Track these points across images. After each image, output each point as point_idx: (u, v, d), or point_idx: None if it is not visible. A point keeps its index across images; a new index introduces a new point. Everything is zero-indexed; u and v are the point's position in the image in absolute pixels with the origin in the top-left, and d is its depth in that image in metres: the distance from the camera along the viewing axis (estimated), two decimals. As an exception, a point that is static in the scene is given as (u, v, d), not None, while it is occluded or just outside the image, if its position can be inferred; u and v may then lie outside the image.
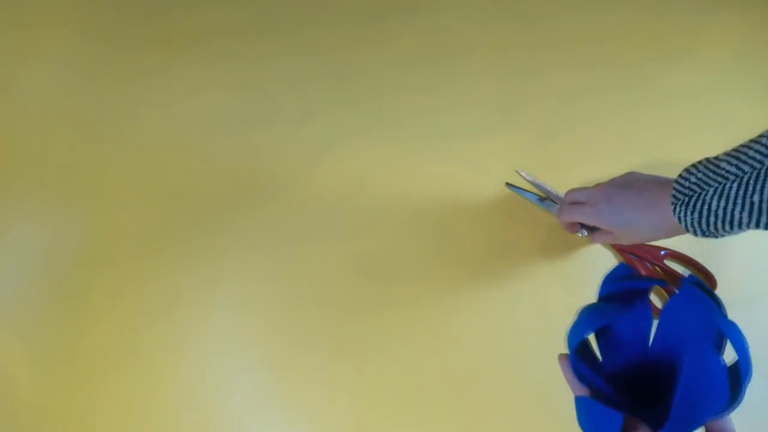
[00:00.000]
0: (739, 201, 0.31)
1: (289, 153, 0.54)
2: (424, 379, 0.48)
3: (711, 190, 0.33)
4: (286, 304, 0.50)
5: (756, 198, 0.30)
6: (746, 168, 0.31)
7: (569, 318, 0.36)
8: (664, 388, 0.35)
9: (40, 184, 0.54)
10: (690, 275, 0.36)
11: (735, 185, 0.32)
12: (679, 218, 0.35)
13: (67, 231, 0.52)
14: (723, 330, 0.32)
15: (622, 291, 0.37)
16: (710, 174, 0.34)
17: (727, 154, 0.34)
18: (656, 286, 0.49)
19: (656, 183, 0.39)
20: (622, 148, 0.54)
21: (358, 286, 0.50)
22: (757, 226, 0.31)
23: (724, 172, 0.33)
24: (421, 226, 0.52)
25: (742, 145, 0.33)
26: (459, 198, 0.53)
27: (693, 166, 0.35)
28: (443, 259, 0.51)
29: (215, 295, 0.50)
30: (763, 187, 0.30)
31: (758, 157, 0.31)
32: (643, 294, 0.38)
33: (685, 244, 0.50)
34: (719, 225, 0.33)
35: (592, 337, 0.38)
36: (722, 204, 0.32)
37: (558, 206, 0.48)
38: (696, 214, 0.33)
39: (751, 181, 0.31)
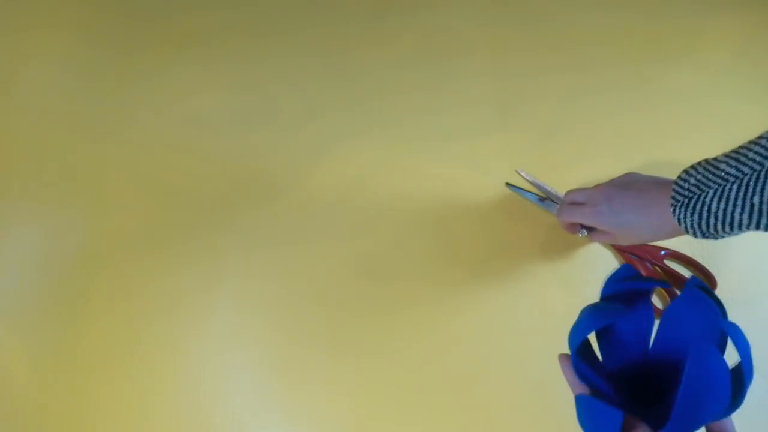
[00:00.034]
0: (739, 203, 0.31)
1: (289, 153, 0.54)
2: (424, 379, 0.48)
3: (710, 192, 0.33)
4: (286, 304, 0.50)
5: (756, 199, 0.30)
6: (746, 170, 0.31)
7: (569, 318, 0.36)
8: (665, 389, 0.35)
9: (40, 184, 0.54)
10: (693, 277, 0.36)
11: (735, 187, 0.32)
12: (679, 220, 0.35)
13: (67, 231, 0.52)
14: (726, 332, 0.32)
15: (625, 291, 0.37)
16: (710, 176, 0.34)
17: (726, 155, 0.34)
18: (658, 288, 0.49)
19: (655, 184, 0.39)
20: (622, 149, 0.54)
21: (358, 286, 0.50)
22: (757, 227, 0.31)
23: (723, 173, 0.33)
24: (421, 226, 0.52)
25: (742, 147, 0.33)
26: (459, 198, 0.53)
27: (692, 167, 0.35)
28: (443, 259, 0.51)
29: (215, 295, 0.50)
30: (763, 189, 0.30)
31: (758, 159, 0.31)
32: (646, 295, 0.38)
33: (685, 244, 0.50)
34: (719, 226, 0.33)
35: (592, 337, 0.38)
36: (722, 206, 0.32)
37: (558, 206, 0.48)
38: (696, 216, 0.33)
39: (751, 183, 0.31)
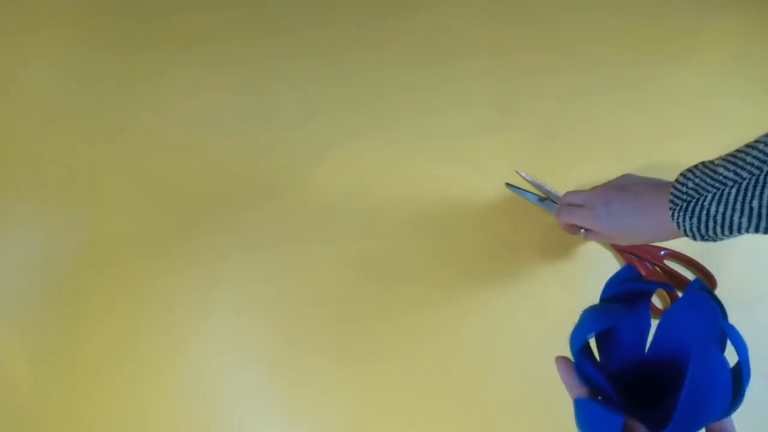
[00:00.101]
0: (738, 206, 0.31)
1: (289, 153, 0.54)
2: (424, 380, 0.48)
3: (709, 196, 0.33)
4: (286, 304, 0.50)
5: (755, 203, 0.30)
6: (744, 174, 0.31)
7: (570, 318, 0.36)
8: (664, 390, 0.35)
9: (40, 184, 0.54)
10: (696, 279, 0.36)
11: (734, 191, 0.32)
12: (678, 223, 0.35)
13: (67, 231, 0.52)
14: (726, 333, 0.32)
15: (625, 293, 0.37)
16: (708, 179, 0.33)
17: (723, 159, 0.34)
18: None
19: (653, 186, 0.39)
20: (622, 149, 0.54)
21: (357, 287, 0.50)
22: (757, 230, 0.31)
23: (721, 177, 0.33)
24: (421, 227, 0.52)
25: (739, 150, 0.33)
26: (459, 198, 0.53)
27: (689, 170, 0.35)
28: (443, 259, 0.51)
29: (215, 295, 0.50)
30: (762, 193, 0.30)
31: (756, 163, 0.31)
32: (647, 297, 0.38)
33: (685, 244, 0.50)
34: (718, 230, 0.33)
35: (591, 338, 0.38)
36: (721, 209, 0.32)
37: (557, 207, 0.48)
38: (695, 220, 0.33)
39: (750, 187, 0.31)
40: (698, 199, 0.33)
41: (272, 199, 0.53)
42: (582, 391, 0.33)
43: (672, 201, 0.35)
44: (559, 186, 0.52)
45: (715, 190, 0.33)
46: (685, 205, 0.34)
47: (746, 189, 0.31)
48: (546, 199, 0.51)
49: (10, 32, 0.59)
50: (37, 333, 0.50)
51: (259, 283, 0.51)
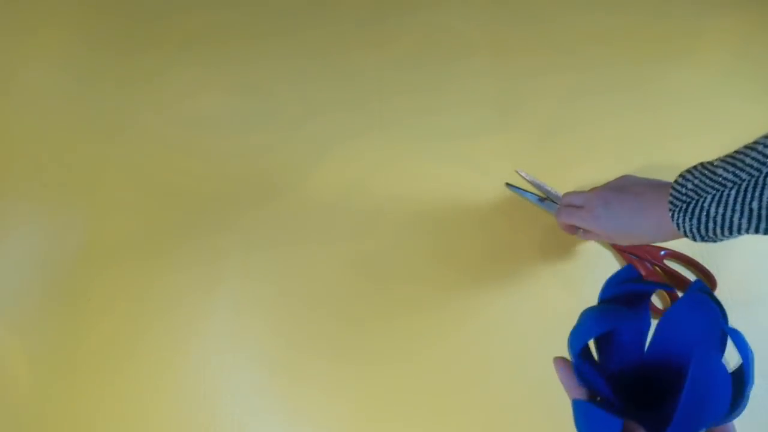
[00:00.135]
0: (738, 207, 0.31)
1: (289, 153, 0.54)
2: (423, 380, 0.48)
3: (708, 197, 0.33)
4: (286, 304, 0.50)
5: (755, 204, 0.30)
6: (744, 175, 0.31)
7: (569, 318, 0.36)
8: (663, 392, 0.35)
9: (40, 184, 0.54)
10: (697, 280, 0.36)
11: (733, 192, 0.32)
12: (678, 224, 0.35)
13: (67, 231, 0.52)
14: (730, 337, 0.32)
15: (625, 294, 0.37)
16: (707, 180, 0.34)
17: (723, 160, 0.34)
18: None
19: (652, 187, 0.39)
20: (622, 149, 0.54)
21: (357, 287, 0.50)
22: (756, 231, 0.31)
23: (721, 178, 0.33)
24: (422, 227, 0.52)
25: (738, 152, 0.33)
26: (459, 198, 0.53)
27: (688, 171, 0.35)
28: (443, 259, 0.51)
29: (215, 295, 0.50)
30: (761, 194, 0.30)
31: (755, 164, 0.31)
32: (646, 298, 0.38)
33: (685, 244, 0.50)
34: (718, 231, 0.33)
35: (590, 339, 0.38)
36: (720, 210, 0.32)
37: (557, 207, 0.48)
38: (695, 221, 0.34)
39: (750, 188, 0.31)
40: (698, 201, 0.33)
41: (272, 199, 0.53)
42: (581, 393, 0.33)
43: (671, 202, 0.35)
44: (559, 186, 0.52)
45: (714, 192, 0.33)
46: (684, 206, 0.34)
47: (746, 190, 0.31)
48: (546, 199, 0.51)
49: (10, 32, 0.59)
50: (37, 333, 0.50)
51: (259, 283, 0.51)
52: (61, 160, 0.54)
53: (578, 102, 0.56)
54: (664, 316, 0.37)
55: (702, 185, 0.34)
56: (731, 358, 0.32)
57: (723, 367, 0.30)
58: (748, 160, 0.32)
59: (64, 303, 0.50)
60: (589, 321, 0.36)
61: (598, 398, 0.34)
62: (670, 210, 0.35)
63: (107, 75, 0.57)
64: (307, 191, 0.53)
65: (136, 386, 0.48)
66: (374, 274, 0.51)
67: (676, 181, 0.36)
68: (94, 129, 0.56)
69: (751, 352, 0.31)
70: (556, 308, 0.50)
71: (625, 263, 0.50)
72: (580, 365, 0.34)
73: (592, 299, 0.38)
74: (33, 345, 0.49)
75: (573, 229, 0.47)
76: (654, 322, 0.37)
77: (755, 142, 0.32)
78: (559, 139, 0.54)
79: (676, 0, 0.60)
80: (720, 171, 0.33)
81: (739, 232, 0.32)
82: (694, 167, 0.35)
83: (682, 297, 0.36)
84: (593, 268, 0.51)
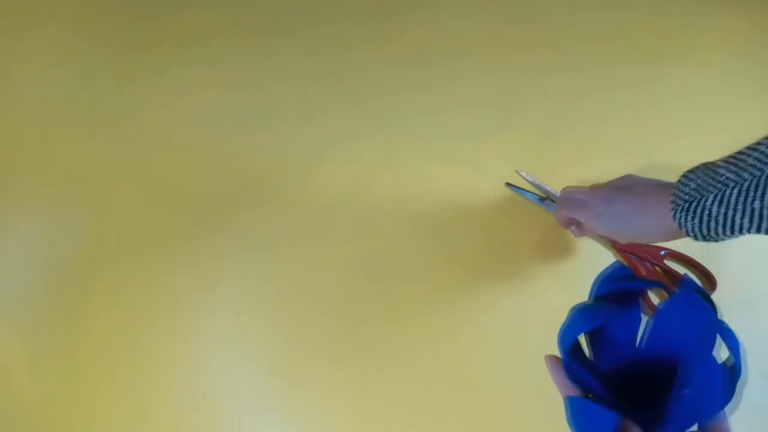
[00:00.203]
0: (740, 207, 0.31)
1: (289, 153, 0.54)
2: (423, 380, 0.48)
3: (711, 197, 0.33)
4: (286, 304, 0.50)
5: (757, 204, 0.30)
6: (746, 175, 0.32)
7: (569, 319, 0.37)
8: (657, 389, 0.35)
9: (40, 184, 0.54)
10: (686, 277, 0.36)
11: (735, 191, 0.32)
12: (680, 223, 0.35)
13: (67, 231, 0.52)
14: (719, 332, 0.33)
15: (617, 291, 0.37)
16: (710, 180, 0.34)
17: (725, 160, 0.34)
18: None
19: (655, 187, 0.39)
20: (622, 149, 0.54)
21: (357, 287, 0.50)
22: (758, 231, 0.31)
23: (723, 178, 0.33)
24: (421, 227, 0.52)
25: (741, 152, 0.33)
26: (459, 198, 0.53)
27: (691, 171, 0.36)
28: (443, 259, 0.51)
29: (215, 295, 0.50)
30: (763, 194, 0.30)
31: (758, 164, 0.31)
32: (639, 296, 0.38)
33: (685, 244, 0.50)
34: (720, 230, 0.33)
35: (581, 337, 0.38)
36: (722, 210, 0.32)
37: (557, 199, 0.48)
38: (696, 220, 0.34)
39: (752, 188, 0.31)
40: (700, 200, 0.33)
41: (272, 199, 0.53)
42: (573, 390, 0.33)
43: (674, 201, 0.35)
44: (559, 186, 0.51)
45: (716, 191, 0.33)
46: (686, 205, 0.34)
47: (747, 190, 0.31)
48: (546, 199, 0.51)
49: (10, 30, 0.59)
50: (37, 333, 0.50)
51: (259, 282, 0.51)
52: (61, 160, 0.54)
53: (578, 102, 0.55)
54: (657, 314, 0.37)
55: (704, 184, 0.34)
56: (723, 353, 0.32)
57: (715, 363, 0.31)
58: (750, 160, 0.32)
59: (64, 303, 0.50)
60: (578, 318, 0.36)
61: (590, 395, 0.34)
62: (672, 209, 0.35)
63: (107, 73, 0.57)
64: (307, 191, 0.53)
65: (136, 386, 0.48)
66: (374, 274, 0.51)
67: (679, 181, 0.36)
68: (94, 128, 0.55)
69: (742, 346, 0.32)
70: (556, 308, 0.49)
71: (626, 263, 0.50)
72: (570, 362, 0.34)
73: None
74: (33, 345, 0.49)
75: (570, 223, 0.46)
76: (641, 323, 0.38)
77: (758, 143, 0.32)
78: (559, 138, 0.54)
79: (677, -1, 0.60)
80: (722, 171, 0.33)
81: (740, 231, 0.32)
82: (697, 167, 0.35)
83: (673, 296, 0.36)
84: (593, 268, 0.51)
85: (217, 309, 0.50)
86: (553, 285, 0.50)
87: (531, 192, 0.52)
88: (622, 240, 0.42)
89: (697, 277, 0.49)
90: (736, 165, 0.32)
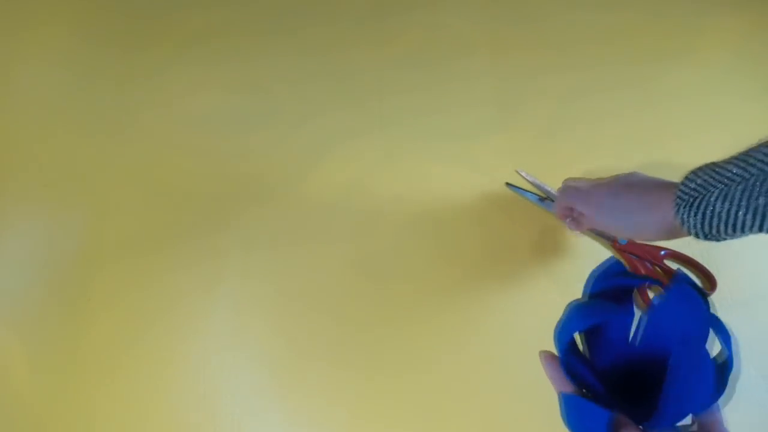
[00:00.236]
0: (744, 203, 0.31)
1: (289, 153, 0.54)
2: (423, 380, 0.48)
3: (716, 192, 0.33)
4: (286, 304, 0.50)
5: (762, 200, 0.30)
6: (753, 170, 0.32)
7: (569, 319, 0.37)
8: (651, 384, 0.35)
9: (40, 184, 0.54)
10: (679, 271, 0.36)
11: (740, 188, 0.32)
12: (683, 220, 0.35)
13: (67, 231, 0.52)
14: (713, 327, 0.33)
15: (612, 288, 0.38)
16: (715, 176, 0.34)
17: (731, 158, 0.34)
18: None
19: (660, 185, 0.39)
20: (622, 148, 0.54)
21: (357, 287, 0.50)
22: (761, 229, 0.31)
23: (730, 174, 0.33)
24: (421, 227, 0.52)
25: (747, 150, 0.33)
26: (459, 198, 0.53)
27: (698, 168, 0.36)
28: (443, 259, 0.51)
29: (215, 294, 0.50)
30: None
31: (766, 159, 0.31)
32: (632, 292, 0.38)
33: (685, 244, 0.50)
34: (722, 227, 0.33)
35: (576, 334, 0.38)
36: (726, 206, 0.32)
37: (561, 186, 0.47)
38: (699, 216, 0.34)
39: (757, 184, 0.31)
40: (704, 196, 0.33)
41: (272, 198, 0.53)
42: (568, 386, 0.33)
43: (679, 197, 0.35)
44: (559, 186, 0.52)
45: (722, 186, 0.33)
46: (691, 200, 0.34)
47: (753, 185, 0.31)
48: (546, 199, 0.51)
49: (10, 30, 0.59)
50: (37, 333, 0.50)
51: (259, 282, 0.51)
52: (61, 160, 0.54)
53: (578, 101, 0.55)
54: (651, 309, 0.37)
55: (711, 180, 0.34)
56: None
57: (707, 355, 0.31)
58: (759, 156, 0.32)
59: (64, 303, 0.50)
60: (575, 315, 0.36)
61: (584, 391, 0.34)
62: (676, 205, 0.35)
63: (107, 73, 0.57)
64: (307, 191, 0.53)
65: (136, 386, 0.48)
66: (374, 274, 0.51)
67: (685, 177, 0.36)
68: (94, 128, 0.56)
69: (735, 339, 0.32)
70: (555, 308, 0.49)
71: (626, 263, 0.50)
72: (568, 358, 0.34)
73: (592, 299, 0.39)
74: (33, 345, 0.49)
75: (568, 214, 0.46)
76: (635, 319, 0.38)
77: (765, 143, 0.32)
78: (559, 138, 0.54)
79: (677, -1, 0.60)
80: (728, 167, 0.33)
81: (743, 230, 0.32)
82: (702, 166, 0.35)
83: (667, 290, 0.36)
84: (593, 267, 0.51)
85: (217, 309, 0.50)
86: (553, 285, 0.50)
87: (531, 192, 0.52)
88: (621, 235, 0.42)
89: (697, 277, 0.49)
90: (743, 161, 0.32)
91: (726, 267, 0.50)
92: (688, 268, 0.51)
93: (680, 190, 0.35)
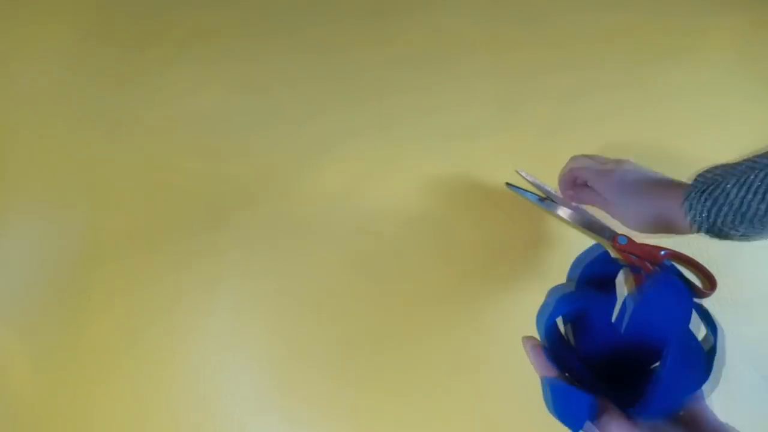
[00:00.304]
0: (761, 190, 0.31)
1: (289, 153, 0.54)
2: (423, 378, 0.48)
3: (733, 179, 0.33)
4: (286, 303, 0.50)
5: None
6: None
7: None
8: (636, 371, 0.35)
9: (40, 184, 0.54)
10: (666, 261, 0.36)
11: (761, 174, 0.32)
12: (691, 204, 0.35)
13: (67, 230, 0.52)
14: (699, 314, 0.33)
15: (597, 275, 0.38)
16: (730, 169, 0.34)
17: (745, 158, 0.34)
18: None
19: (676, 181, 0.39)
20: (622, 148, 0.54)
21: (356, 286, 0.50)
22: None
23: (750, 162, 0.33)
24: (421, 226, 0.52)
25: (761, 151, 0.33)
26: (459, 198, 0.53)
27: (714, 165, 0.36)
28: (442, 259, 0.51)
29: (215, 294, 0.50)
30: None
31: None
32: (614, 277, 0.38)
33: (685, 244, 0.50)
34: (729, 217, 0.33)
35: (559, 320, 0.38)
36: (742, 193, 0.32)
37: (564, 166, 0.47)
38: (709, 203, 0.33)
39: None
40: (720, 182, 0.34)
41: (272, 198, 0.53)
42: (551, 371, 0.33)
43: (693, 185, 0.35)
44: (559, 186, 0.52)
45: (740, 174, 0.33)
46: (704, 187, 0.34)
47: None
48: (546, 199, 0.51)
49: (10, 29, 0.59)
50: (37, 332, 0.50)
51: (259, 281, 0.51)
52: (61, 160, 0.54)
53: (578, 101, 0.55)
54: (638, 295, 0.37)
55: (729, 169, 0.34)
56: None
57: (693, 342, 0.31)
58: None
59: (64, 302, 0.50)
60: (557, 300, 0.36)
61: (567, 375, 0.34)
62: (686, 192, 0.35)
63: (107, 73, 0.57)
64: (307, 190, 0.53)
65: (135, 386, 0.48)
66: (374, 274, 0.51)
67: (703, 170, 0.36)
68: (94, 128, 0.56)
69: (720, 328, 0.32)
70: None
71: (625, 263, 0.50)
72: (551, 343, 0.34)
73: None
74: (33, 344, 0.50)
75: (574, 181, 0.46)
76: (615, 306, 0.38)
77: None
78: (559, 138, 0.54)
79: (677, -2, 0.60)
80: (744, 162, 0.33)
81: (751, 222, 0.32)
82: (719, 164, 0.36)
83: (654, 278, 0.36)
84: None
85: (217, 308, 0.50)
86: (553, 285, 0.50)
87: (531, 192, 0.52)
88: (617, 210, 0.42)
89: (698, 277, 0.49)
90: (760, 154, 0.33)
91: (726, 267, 0.50)
92: (688, 269, 0.51)
93: (697, 179, 0.35)
